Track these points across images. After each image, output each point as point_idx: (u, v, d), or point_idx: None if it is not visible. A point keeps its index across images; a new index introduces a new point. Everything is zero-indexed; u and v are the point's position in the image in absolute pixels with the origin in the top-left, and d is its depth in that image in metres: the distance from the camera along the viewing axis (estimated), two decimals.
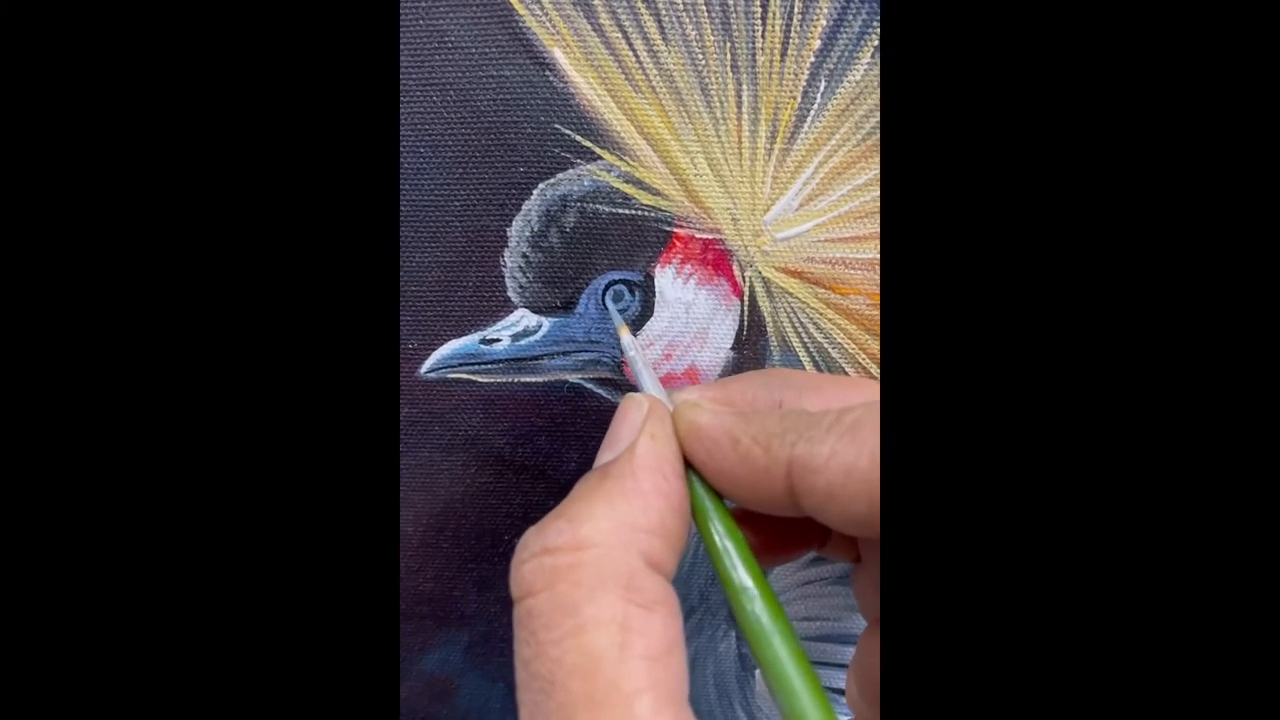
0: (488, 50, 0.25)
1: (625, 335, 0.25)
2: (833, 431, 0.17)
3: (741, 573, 0.18)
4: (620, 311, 0.27)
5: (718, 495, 0.20)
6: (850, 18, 0.24)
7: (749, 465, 0.18)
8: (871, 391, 0.21)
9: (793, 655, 0.16)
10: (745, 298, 0.27)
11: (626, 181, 0.26)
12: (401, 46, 0.25)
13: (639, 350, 0.25)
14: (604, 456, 0.20)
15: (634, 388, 0.28)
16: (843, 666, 0.30)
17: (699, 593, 0.30)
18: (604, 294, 0.27)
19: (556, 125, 0.26)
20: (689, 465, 0.20)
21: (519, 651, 0.16)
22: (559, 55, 0.25)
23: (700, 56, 0.25)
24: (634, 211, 0.26)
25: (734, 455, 0.18)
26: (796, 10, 0.24)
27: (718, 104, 0.25)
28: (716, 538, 0.18)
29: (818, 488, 0.17)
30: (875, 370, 0.27)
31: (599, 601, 0.16)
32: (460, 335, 0.28)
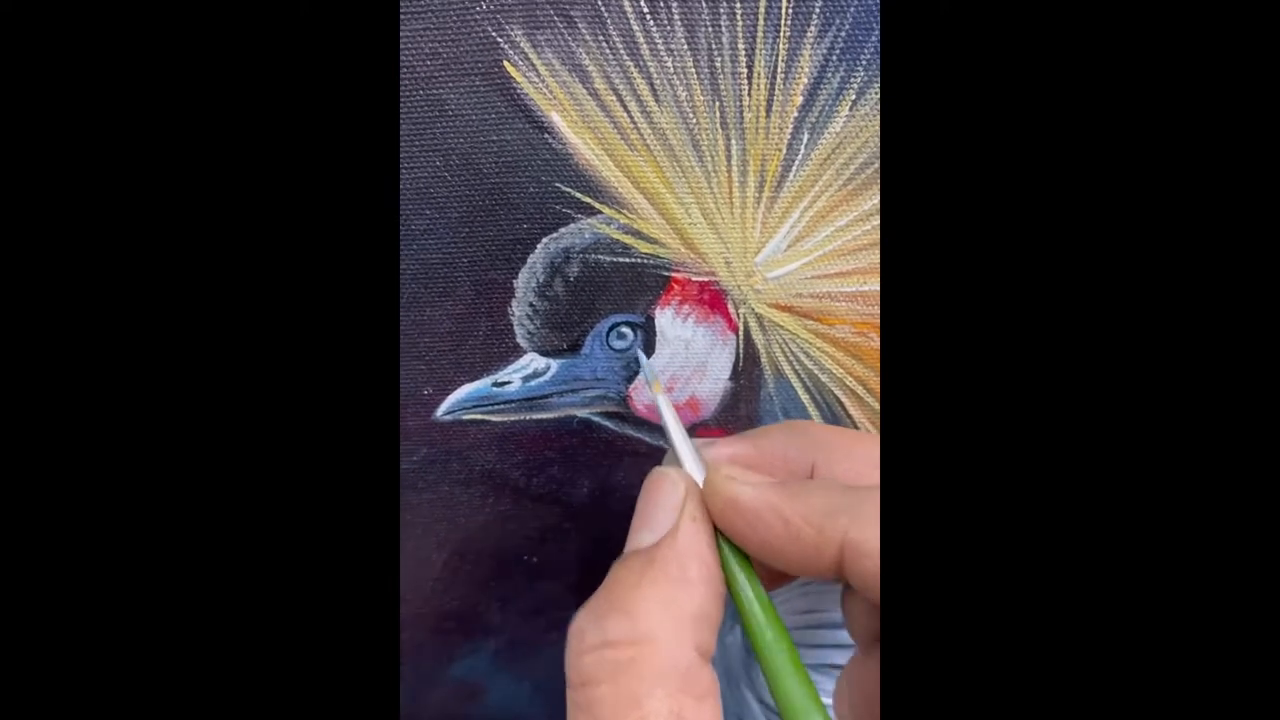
0: (487, 117, 0.26)
1: (662, 397, 0.25)
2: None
3: (769, 632, 0.20)
4: (622, 351, 0.29)
5: (745, 558, 0.21)
6: (830, 75, 0.26)
7: (799, 544, 0.19)
8: None
9: (810, 698, 0.19)
10: (740, 333, 0.29)
11: (625, 233, 0.27)
12: (402, 115, 0.26)
13: (675, 419, 0.24)
14: (642, 537, 0.20)
15: (639, 420, 0.30)
16: (833, 647, 0.34)
17: None
18: (608, 335, 0.29)
19: (557, 184, 0.27)
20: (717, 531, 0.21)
21: None
22: (557, 119, 0.26)
23: (691, 115, 0.26)
24: (633, 259, 0.28)
25: (784, 533, 0.19)
26: (779, 70, 0.26)
27: (709, 158, 0.27)
28: (745, 602, 0.20)
29: (869, 570, 0.18)
30: (862, 392, 0.30)
31: (657, 695, 0.17)
32: (473, 380, 0.29)
